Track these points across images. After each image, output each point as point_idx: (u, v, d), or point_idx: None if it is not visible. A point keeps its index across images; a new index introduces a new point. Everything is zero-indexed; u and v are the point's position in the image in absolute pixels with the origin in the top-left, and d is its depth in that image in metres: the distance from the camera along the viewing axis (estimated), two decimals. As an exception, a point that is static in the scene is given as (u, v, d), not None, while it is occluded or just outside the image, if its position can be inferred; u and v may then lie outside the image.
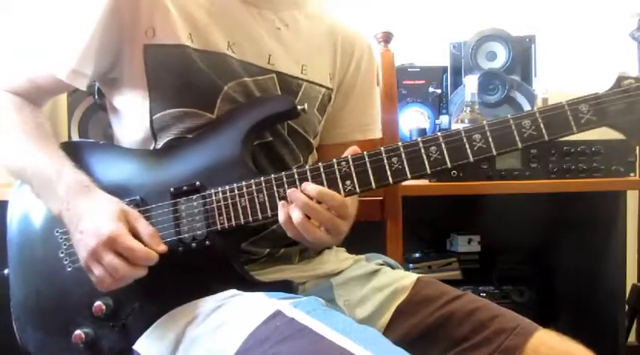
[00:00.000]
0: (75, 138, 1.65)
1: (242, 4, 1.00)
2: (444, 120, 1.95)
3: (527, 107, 1.84)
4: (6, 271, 0.98)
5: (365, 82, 1.15)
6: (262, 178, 0.87)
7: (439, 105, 1.99)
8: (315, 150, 1.11)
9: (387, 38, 1.48)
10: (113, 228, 0.82)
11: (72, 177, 0.89)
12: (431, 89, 1.98)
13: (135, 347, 0.87)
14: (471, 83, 1.70)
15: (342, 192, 0.84)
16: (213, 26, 0.97)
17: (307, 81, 1.04)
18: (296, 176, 0.86)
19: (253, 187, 0.87)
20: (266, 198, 0.86)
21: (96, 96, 1.58)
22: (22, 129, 0.95)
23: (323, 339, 0.71)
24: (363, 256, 1.13)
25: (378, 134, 1.18)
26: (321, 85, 1.06)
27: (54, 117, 1.82)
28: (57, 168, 0.90)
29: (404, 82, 1.96)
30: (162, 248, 0.85)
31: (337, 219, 0.84)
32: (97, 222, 0.83)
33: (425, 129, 1.88)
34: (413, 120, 1.97)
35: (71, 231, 0.87)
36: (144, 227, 0.85)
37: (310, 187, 0.83)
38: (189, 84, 0.94)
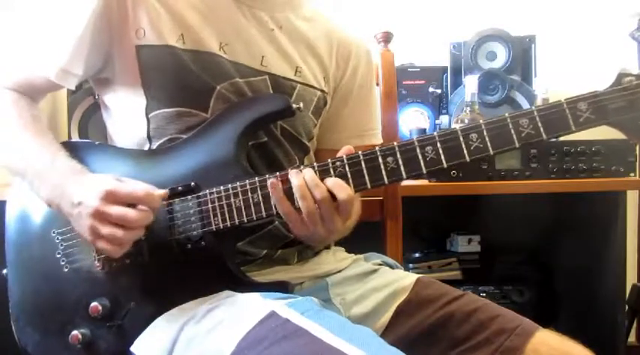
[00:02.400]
0: (75, 138, 1.65)
1: (234, 5, 1.00)
2: (444, 120, 1.94)
3: (527, 107, 1.81)
4: (4, 271, 0.98)
5: (363, 87, 1.13)
6: (257, 178, 0.86)
7: (439, 106, 1.98)
8: (311, 153, 1.10)
9: (387, 38, 1.47)
10: (110, 184, 0.83)
11: (66, 164, 0.90)
12: (431, 89, 1.98)
13: (132, 349, 0.87)
14: (471, 83, 1.69)
15: None
16: (204, 27, 0.96)
17: (301, 83, 1.03)
18: None
19: (248, 187, 0.86)
20: (260, 198, 0.86)
21: (96, 97, 1.59)
22: (17, 122, 0.96)
23: (317, 340, 0.70)
24: (361, 256, 1.13)
25: (377, 140, 1.16)
26: (315, 88, 1.05)
27: (54, 117, 1.82)
28: (50, 157, 0.90)
29: (404, 82, 1.96)
30: (164, 191, 0.86)
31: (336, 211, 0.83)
32: (92, 187, 0.83)
33: (425, 130, 1.87)
34: (413, 120, 1.96)
35: (69, 211, 0.86)
36: (137, 182, 0.86)
37: (330, 180, 0.83)
38: (181, 84, 0.94)
